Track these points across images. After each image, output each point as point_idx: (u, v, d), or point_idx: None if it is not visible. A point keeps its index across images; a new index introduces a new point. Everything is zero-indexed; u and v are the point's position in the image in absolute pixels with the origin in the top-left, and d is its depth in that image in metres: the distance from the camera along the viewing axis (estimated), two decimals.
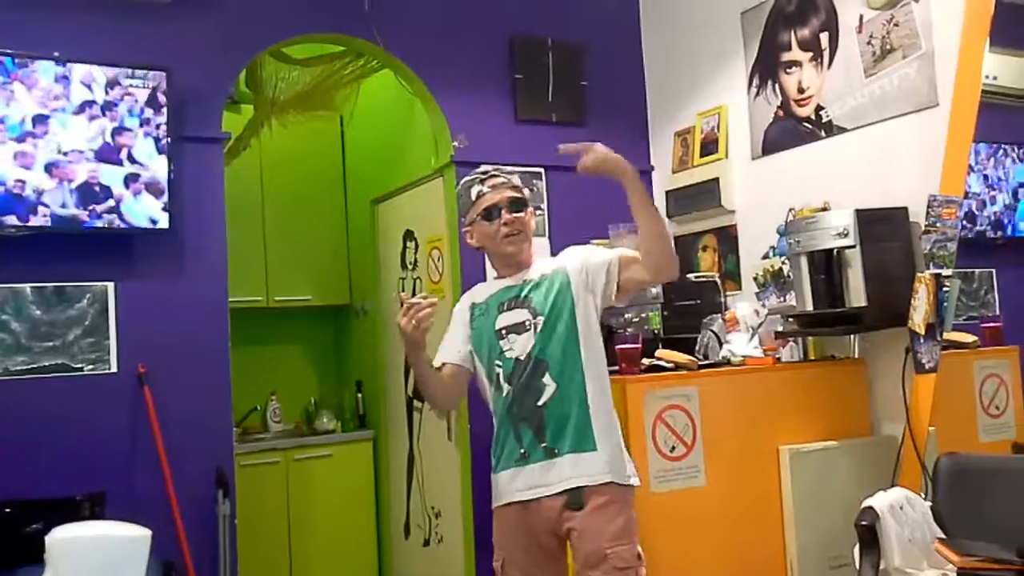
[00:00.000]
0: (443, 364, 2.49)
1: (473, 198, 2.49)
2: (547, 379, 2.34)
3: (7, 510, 2.78)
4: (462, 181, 2.55)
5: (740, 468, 3.05)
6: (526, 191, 2.57)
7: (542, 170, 4.16)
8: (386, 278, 4.77)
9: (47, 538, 1.44)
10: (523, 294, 2.43)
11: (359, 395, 4.95)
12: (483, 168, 2.57)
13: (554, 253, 4.12)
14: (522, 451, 2.35)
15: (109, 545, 1.45)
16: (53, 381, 3.19)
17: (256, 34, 3.70)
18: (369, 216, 4.90)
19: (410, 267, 4.52)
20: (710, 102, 4.13)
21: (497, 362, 2.41)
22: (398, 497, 4.64)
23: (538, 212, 4.13)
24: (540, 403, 2.33)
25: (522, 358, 2.36)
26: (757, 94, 3.88)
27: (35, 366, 3.17)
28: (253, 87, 4.24)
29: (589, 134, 4.28)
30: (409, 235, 4.52)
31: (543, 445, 2.33)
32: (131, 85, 3.24)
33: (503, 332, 2.41)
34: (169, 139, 3.29)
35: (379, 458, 4.82)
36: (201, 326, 3.45)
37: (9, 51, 3.10)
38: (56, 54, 3.18)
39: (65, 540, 1.45)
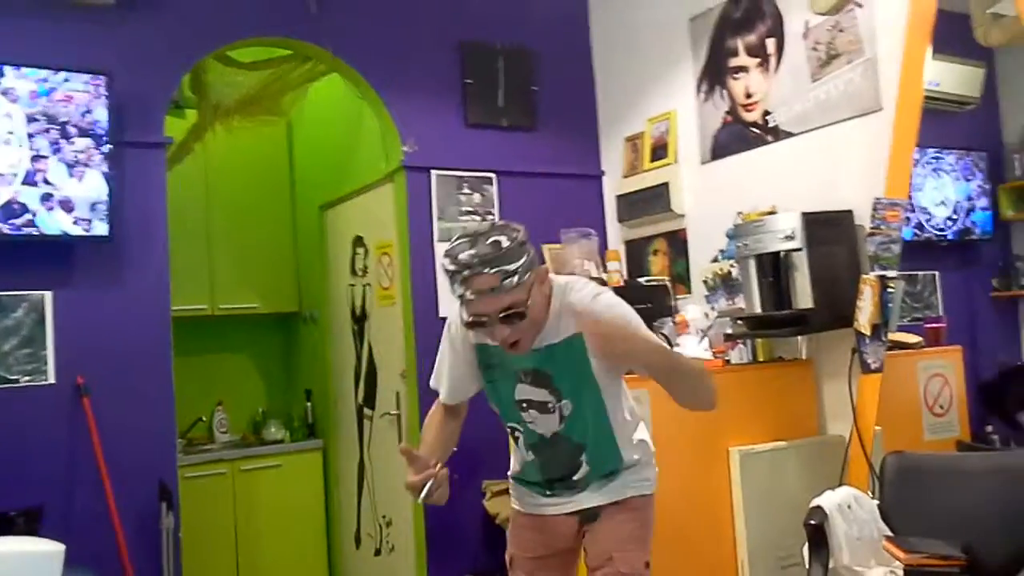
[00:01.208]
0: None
1: (456, 296, 1.96)
2: (582, 459, 2.16)
3: None
4: (441, 261, 1.97)
5: (691, 470, 3.06)
6: (517, 276, 1.89)
7: (493, 175, 4.15)
8: (335, 285, 4.70)
9: None
10: (542, 368, 2.08)
11: (308, 404, 4.87)
12: (460, 258, 1.88)
13: None
14: (549, 492, 2.24)
15: (18, 562, 1.38)
16: None
17: (200, 37, 3.63)
18: (318, 222, 4.84)
19: (360, 273, 4.46)
20: (660, 107, 4.15)
21: (516, 426, 2.20)
22: (348, 506, 4.57)
23: (489, 217, 4.11)
24: (576, 478, 2.18)
25: (548, 436, 2.15)
26: (706, 99, 3.91)
27: None
28: (197, 91, 4.15)
29: (540, 139, 4.32)
30: (359, 241, 4.47)
31: (571, 489, 2.22)
32: (72, 90, 3.18)
33: (524, 405, 2.15)
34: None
35: (329, 467, 4.75)
36: (143, 335, 3.37)
37: None
38: None
39: None
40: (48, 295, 3.21)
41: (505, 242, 1.90)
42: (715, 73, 3.86)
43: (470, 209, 4.10)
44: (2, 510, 2.87)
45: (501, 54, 4.23)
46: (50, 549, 1.38)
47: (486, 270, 1.87)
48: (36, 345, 3.18)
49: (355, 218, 4.51)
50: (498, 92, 4.22)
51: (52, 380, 3.19)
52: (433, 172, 4.01)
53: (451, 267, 1.90)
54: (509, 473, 2.38)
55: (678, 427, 3.04)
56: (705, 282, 3.86)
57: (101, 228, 3.21)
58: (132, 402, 3.30)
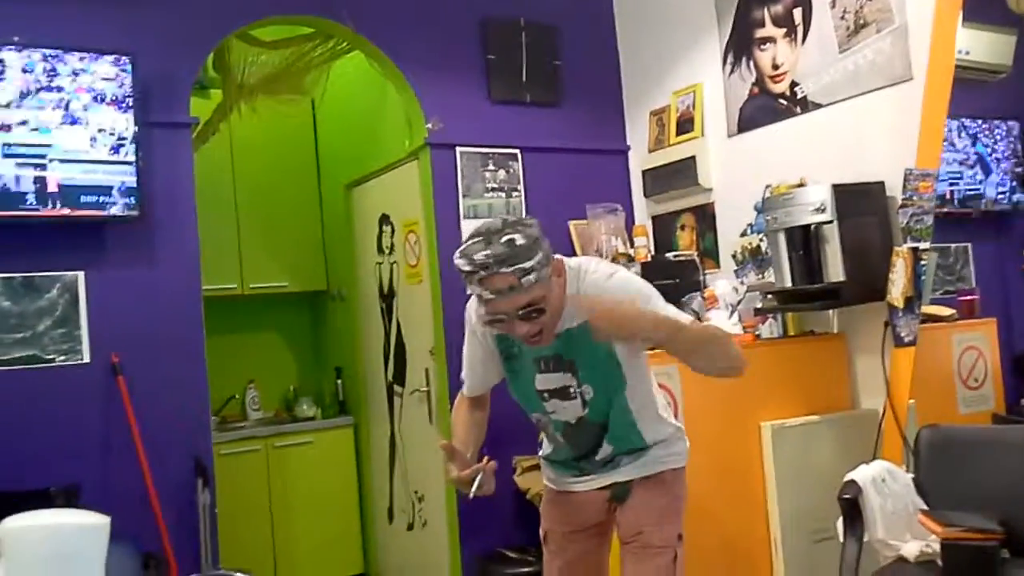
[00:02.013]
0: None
1: (474, 296, 2.01)
2: (604, 443, 2.20)
3: None
4: (455, 262, 1.92)
5: (722, 445, 3.05)
6: (535, 274, 1.87)
7: (518, 151, 4.14)
8: (363, 263, 4.72)
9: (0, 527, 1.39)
10: (562, 353, 2.08)
11: (339, 381, 4.91)
12: (475, 258, 1.87)
13: None
14: (579, 472, 2.28)
15: (65, 534, 1.41)
16: (24, 373, 3.14)
17: (223, 16, 3.62)
18: (344, 201, 4.85)
19: (387, 251, 4.48)
20: (685, 80, 4.11)
21: (541, 416, 2.23)
22: (381, 482, 4.62)
23: (514, 194, 4.10)
24: (599, 458, 2.23)
25: (573, 422, 2.18)
26: (732, 71, 3.87)
27: (5, 358, 3.11)
28: (221, 71, 4.16)
29: (564, 114, 4.29)
30: (385, 219, 4.48)
31: (602, 467, 2.25)
32: (97, 71, 3.20)
33: (545, 395, 2.15)
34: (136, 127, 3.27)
35: (360, 444, 4.79)
36: (175, 314, 3.40)
37: None
38: (16, 38, 3.10)
39: (18, 529, 1.40)
40: (81, 275, 3.24)
41: (520, 239, 1.87)
42: (741, 44, 3.82)
43: (495, 186, 4.09)
44: (42, 487, 2.91)
45: (524, 29, 4.19)
46: (96, 521, 1.41)
47: (503, 269, 1.85)
48: (70, 325, 3.21)
49: (381, 196, 4.52)
50: (522, 68, 4.19)
51: (87, 359, 3.23)
52: (458, 149, 4.00)
53: (467, 267, 1.88)
54: (540, 453, 2.41)
55: (709, 402, 3.05)
56: (734, 256, 3.84)
57: (130, 208, 3.23)
58: (166, 380, 3.34)
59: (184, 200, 3.46)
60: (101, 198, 3.20)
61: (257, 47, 4.09)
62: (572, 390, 2.11)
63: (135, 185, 3.24)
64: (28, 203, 3.09)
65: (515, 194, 4.12)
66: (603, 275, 2.05)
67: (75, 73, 3.18)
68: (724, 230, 3.92)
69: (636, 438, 2.20)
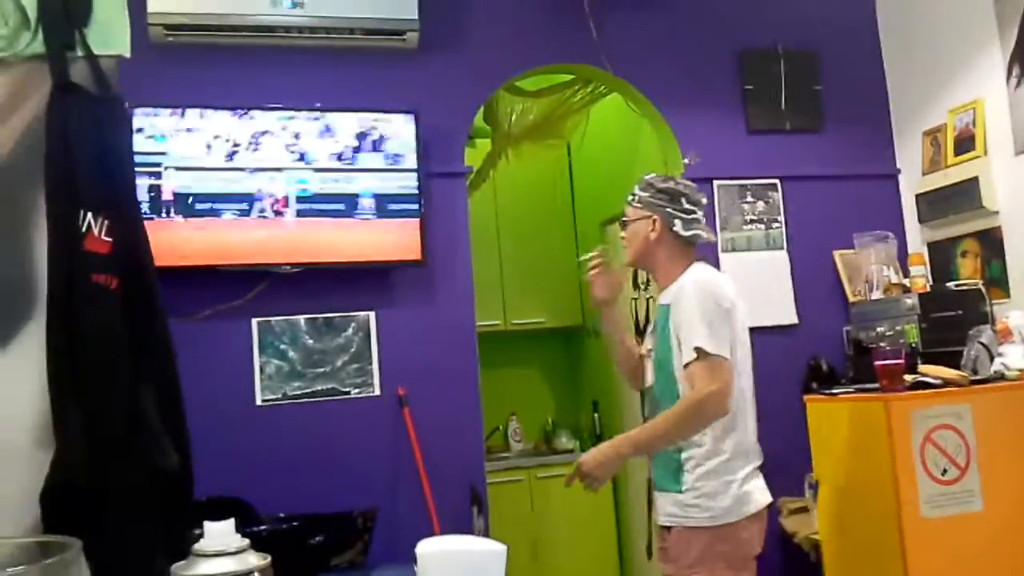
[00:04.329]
0: None
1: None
2: (654, 404, 2.46)
3: (294, 524, 3.03)
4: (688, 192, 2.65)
5: (1021, 491, 2.80)
6: (640, 196, 2.63)
7: (777, 181, 4.05)
8: (617, 299, 4.78)
9: (418, 550, 1.65)
10: (655, 320, 2.53)
11: (595, 414, 5.00)
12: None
13: (795, 270, 4.00)
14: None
15: (475, 558, 1.61)
16: (325, 404, 3.47)
17: (492, 71, 3.85)
18: (598, 238, 4.96)
19: (642, 287, 4.51)
20: (962, 97, 3.84)
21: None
22: (639, 517, 4.62)
23: (774, 225, 4.01)
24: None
25: (644, 389, 2.58)
26: (1019, 84, 3.57)
27: (309, 390, 3.46)
28: (490, 121, 4.43)
29: (826, 140, 4.15)
30: None
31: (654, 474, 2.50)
32: (388, 129, 3.51)
33: (648, 352, 2.59)
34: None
35: (618, 477, 4.84)
36: (452, 350, 3.62)
37: (275, 105, 3.42)
38: (318, 104, 3.48)
39: (435, 554, 1.66)
40: (372, 315, 3.55)
41: (651, 183, 2.63)
42: None
43: (754, 217, 4.02)
44: (340, 510, 3.18)
45: (782, 57, 4.12)
46: (496, 548, 1.61)
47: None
48: (364, 360, 3.52)
49: None
50: (780, 95, 4.11)
51: (378, 392, 3.52)
52: (715, 182, 3.98)
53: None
54: None
55: (1005, 445, 2.84)
56: None
57: (415, 253, 3.51)
58: (445, 412, 3.55)
59: (460, 244, 3.70)
60: None
61: (522, 97, 4.32)
62: (650, 352, 2.54)
63: (420, 232, 3.52)
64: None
65: (775, 225, 4.03)
66: (687, 290, 2.42)
67: (369, 133, 3.50)
68: (1015, 256, 3.59)
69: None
